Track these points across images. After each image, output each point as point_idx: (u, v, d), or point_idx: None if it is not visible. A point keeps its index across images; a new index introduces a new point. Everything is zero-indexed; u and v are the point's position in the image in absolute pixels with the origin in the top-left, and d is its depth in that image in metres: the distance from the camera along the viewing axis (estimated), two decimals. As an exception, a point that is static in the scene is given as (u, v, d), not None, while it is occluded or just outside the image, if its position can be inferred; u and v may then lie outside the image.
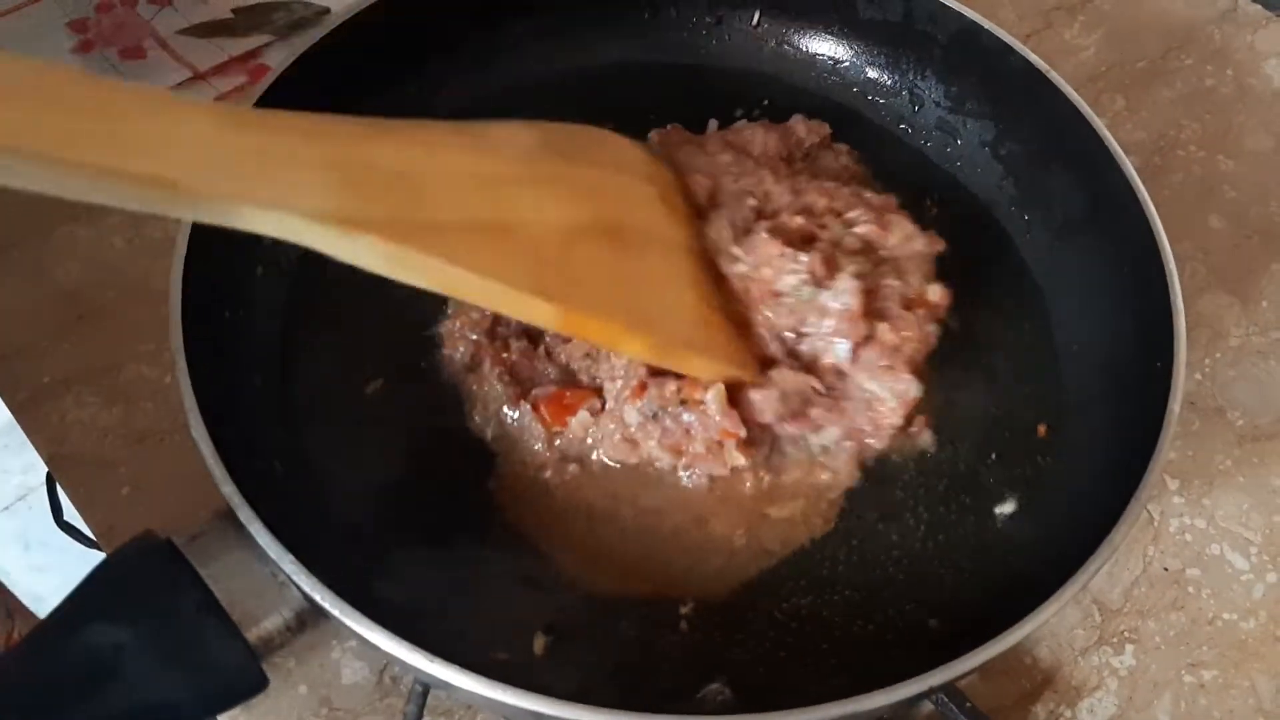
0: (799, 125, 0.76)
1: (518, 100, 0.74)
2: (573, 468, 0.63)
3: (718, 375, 0.60)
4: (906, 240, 0.67)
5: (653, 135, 0.74)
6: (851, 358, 0.62)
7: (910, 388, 0.62)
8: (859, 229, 0.66)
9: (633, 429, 0.62)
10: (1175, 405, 0.57)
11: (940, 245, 0.68)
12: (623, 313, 0.55)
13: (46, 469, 0.70)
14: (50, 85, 0.40)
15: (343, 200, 0.46)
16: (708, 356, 0.59)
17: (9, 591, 1.46)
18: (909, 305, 0.64)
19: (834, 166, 0.75)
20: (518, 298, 0.50)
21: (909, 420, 0.64)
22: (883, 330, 0.62)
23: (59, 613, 0.48)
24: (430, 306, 0.67)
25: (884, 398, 0.62)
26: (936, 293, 0.65)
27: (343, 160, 0.48)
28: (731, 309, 0.63)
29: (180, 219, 0.44)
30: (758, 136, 0.73)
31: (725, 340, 0.61)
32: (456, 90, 0.75)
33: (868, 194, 0.69)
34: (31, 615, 1.44)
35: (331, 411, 0.64)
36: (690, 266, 0.62)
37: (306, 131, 0.49)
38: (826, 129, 0.76)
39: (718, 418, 0.60)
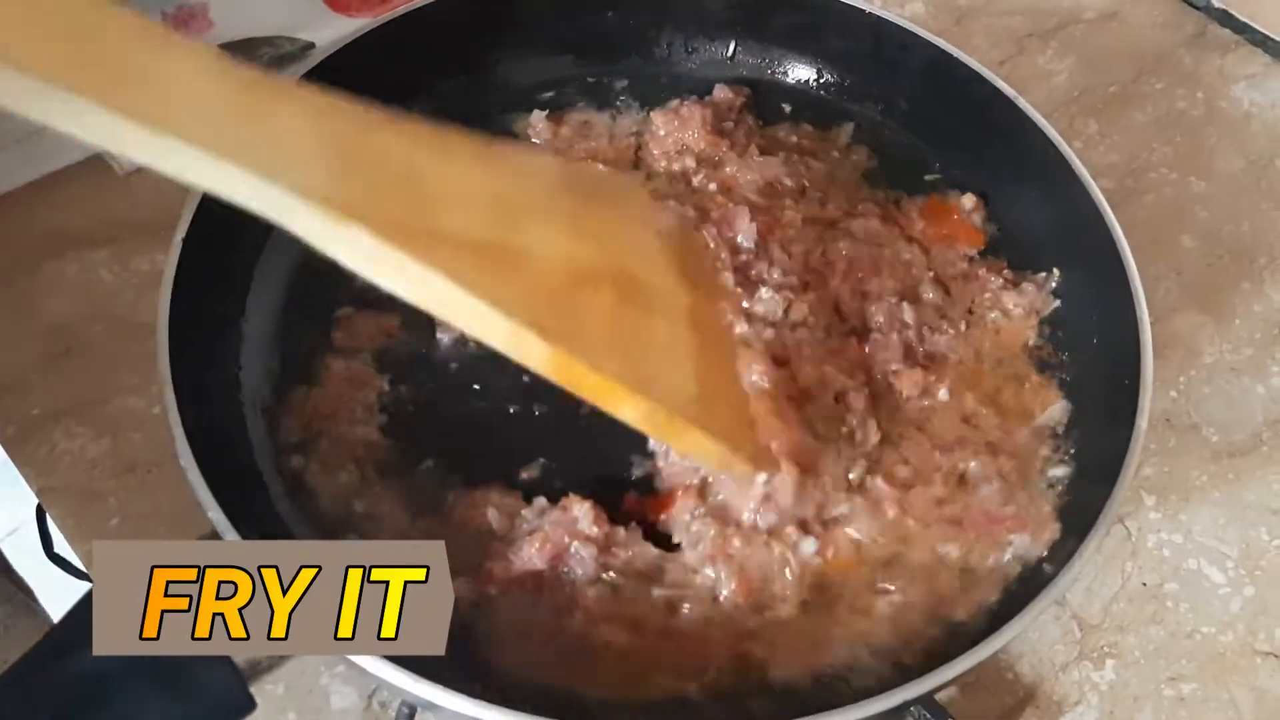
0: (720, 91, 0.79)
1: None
2: None
3: (715, 457, 0.53)
4: None
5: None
6: None
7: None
8: None
9: None
10: (1143, 422, 0.58)
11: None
12: (621, 368, 0.49)
13: (36, 501, 0.71)
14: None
15: (340, 184, 0.41)
16: (707, 434, 0.52)
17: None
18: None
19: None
20: (510, 328, 0.44)
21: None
22: None
23: (46, 642, 0.48)
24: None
25: None
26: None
27: (348, 143, 0.43)
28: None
29: (171, 174, 0.38)
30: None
31: (729, 419, 0.56)
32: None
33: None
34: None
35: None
36: (697, 338, 0.56)
37: (314, 105, 0.44)
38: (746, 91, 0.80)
39: None
